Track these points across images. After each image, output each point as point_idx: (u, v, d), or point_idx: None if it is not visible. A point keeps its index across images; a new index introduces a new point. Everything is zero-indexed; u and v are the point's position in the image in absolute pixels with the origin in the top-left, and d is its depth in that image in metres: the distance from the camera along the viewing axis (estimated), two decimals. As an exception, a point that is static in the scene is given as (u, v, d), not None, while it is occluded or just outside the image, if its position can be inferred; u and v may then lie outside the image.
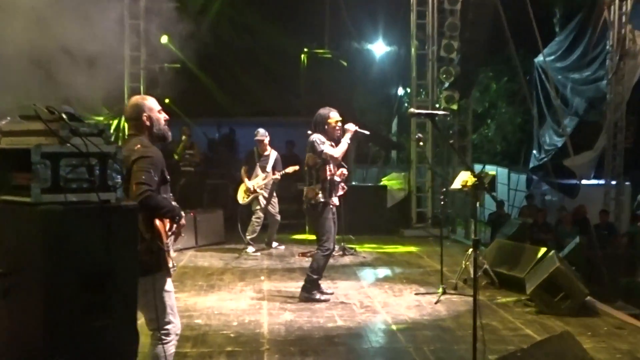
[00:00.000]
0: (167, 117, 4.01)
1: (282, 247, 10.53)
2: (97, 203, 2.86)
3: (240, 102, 14.57)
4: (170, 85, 12.53)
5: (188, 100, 13.51)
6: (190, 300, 7.03)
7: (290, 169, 9.89)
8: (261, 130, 9.98)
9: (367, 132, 7.16)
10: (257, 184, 9.88)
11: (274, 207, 10.12)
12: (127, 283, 2.95)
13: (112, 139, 3.08)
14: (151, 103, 3.98)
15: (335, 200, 6.87)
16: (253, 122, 15.95)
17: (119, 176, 2.98)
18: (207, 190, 13.15)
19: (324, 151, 6.74)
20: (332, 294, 7.23)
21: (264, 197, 9.92)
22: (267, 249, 10.33)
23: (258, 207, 9.93)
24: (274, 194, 10.10)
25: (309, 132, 7.03)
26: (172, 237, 3.89)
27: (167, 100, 13.39)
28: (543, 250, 7.53)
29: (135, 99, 4.01)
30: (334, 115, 6.86)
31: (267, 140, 9.96)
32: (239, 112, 14.78)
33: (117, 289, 2.88)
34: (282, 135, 14.40)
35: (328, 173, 6.79)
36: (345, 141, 6.85)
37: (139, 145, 3.77)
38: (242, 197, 10.00)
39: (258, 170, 9.95)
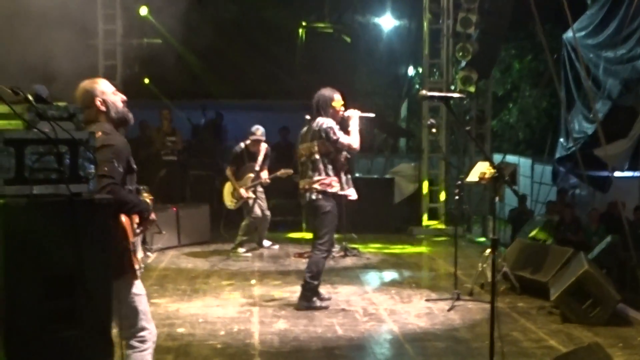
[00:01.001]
0: (124, 97, 4.04)
1: (277, 246, 10.55)
2: (67, 196, 2.86)
3: (228, 83, 14.56)
4: (149, 64, 12.52)
5: (170, 81, 13.48)
6: (172, 306, 7.05)
7: (282, 173, 9.87)
8: (261, 129, 9.92)
9: (371, 115, 7.20)
10: (245, 186, 9.84)
11: (263, 202, 10.12)
12: (99, 287, 2.95)
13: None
14: (103, 86, 4.00)
15: (343, 190, 6.88)
16: (243, 105, 15.97)
17: (91, 166, 2.99)
18: (191, 182, 13.15)
19: (340, 141, 6.77)
20: (330, 299, 7.25)
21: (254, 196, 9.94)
22: (258, 248, 10.35)
23: (250, 206, 9.91)
24: (261, 189, 10.09)
25: (307, 116, 7.03)
26: (140, 236, 3.92)
27: (146, 80, 13.42)
28: (570, 251, 7.55)
29: (85, 84, 4.01)
30: (338, 98, 6.90)
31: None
32: (227, 94, 14.77)
33: (88, 294, 2.88)
34: (275, 121, 14.38)
35: (344, 162, 6.87)
36: (356, 130, 6.90)
37: (99, 133, 3.78)
38: (229, 201, 10.00)
39: (247, 168, 9.91)
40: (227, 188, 10.05)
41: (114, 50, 12.43)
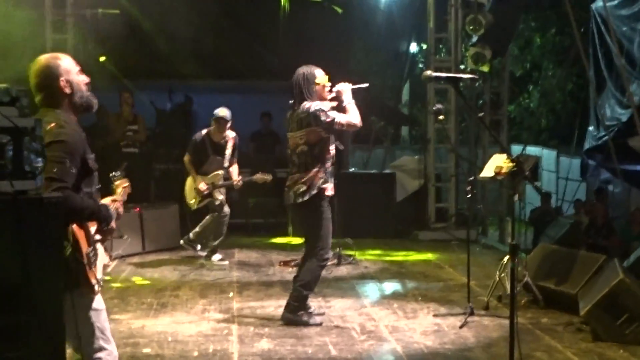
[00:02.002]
0: (87, 79, 4.01)
1: (226, 262, 10.21)
2: (10, 194, 2.85)
3: (199, 61, 14.48)
4: (106, 38, 12.45)
5: (130, 59, 13.40)
6: (136, 323, 7.04)
7: (258, 177, 9.80)
8: (226, 110, 9.80)
9: (364, 85, 7.18)
10: (213, 186, 9.73)
11: (223, 196, 10.05)
12: (49, 301, 2.94)
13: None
14: (67, 63, 3.97)
15: (329, 189, 6.89)
16: (216, 87, 15.90)
17: (39, 159, 2.98)
18: (156, 178, 13.13)
19: (337, 120, 6.76)
20: (323, 314, 7.26)
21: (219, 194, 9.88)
22: (203, 253, 10.22)
23: (218, 202, 9.85)
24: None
25: (292, 101, 7.03)
26: (98, 244, 3.90)
27: (102, 58, 13.32)
28: (602, 258, 7.58)
29: (45, 59, 3.96)
30: (321, 75, 6.90)
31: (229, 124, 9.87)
32: (198, 74, 14.69)
33: (36, 309, 2.87)
34: (255, 105, 14.38)
35: (332, 152, 6.88)
36: (352, 104, 6.91)
37: (53, 124, 3.73)
38: (191, 199, 9.91)
39: (213, 162, 9.83)
40: (190, 184, 9.95)
41: (63, 21, 12.36)
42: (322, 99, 6.88)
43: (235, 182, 9.86)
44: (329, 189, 6.87)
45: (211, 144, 9.80)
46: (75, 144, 3.75)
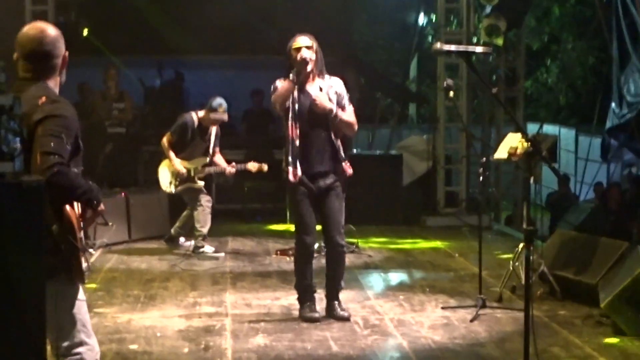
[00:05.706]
0: None
1: (189, 242, 10.23)
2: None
3: (191, 34, 14.47)
4: (89, 9, 12.43)
5: (116, 31, 13.38)
6: (122, 317, 7.06)
7: (253, 165, 9.74)
8: (225, 105, 9.70)
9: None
10: (197, 172, 9.62)
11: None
12: (29, 294, 2.94)
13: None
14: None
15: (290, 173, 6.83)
16: (209, 62, 15.89)
17: (17, 139, 2.97)
18: (144, 161, 13.11)
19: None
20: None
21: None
22: (172, 244, 10.22)
23: (198, 187, 9.74)
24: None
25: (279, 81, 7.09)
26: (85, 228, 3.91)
27: (85, 31, 13.31)
28: (625, 245, 7.57)
29: (54, 29, 3.98)
30: (300, 41, 6.94)
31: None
32: (189, 48, 14.69)
33: (15, 303, 2.87)
34: (250, 81, 14.37)
35: (295, 132, 6.86)
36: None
37: (44, 98, 3.72)
38: (168, 182, 9.78)
39: (196, 147, 9.77)
40: (166, 166, 9.78)
41: (44, -8, 12.34)
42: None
43: (228, 171, 9.78)
44: (290, 173, 6.80)
45: (199, 128, 9.72)
46: (72, 120, 3.76)
